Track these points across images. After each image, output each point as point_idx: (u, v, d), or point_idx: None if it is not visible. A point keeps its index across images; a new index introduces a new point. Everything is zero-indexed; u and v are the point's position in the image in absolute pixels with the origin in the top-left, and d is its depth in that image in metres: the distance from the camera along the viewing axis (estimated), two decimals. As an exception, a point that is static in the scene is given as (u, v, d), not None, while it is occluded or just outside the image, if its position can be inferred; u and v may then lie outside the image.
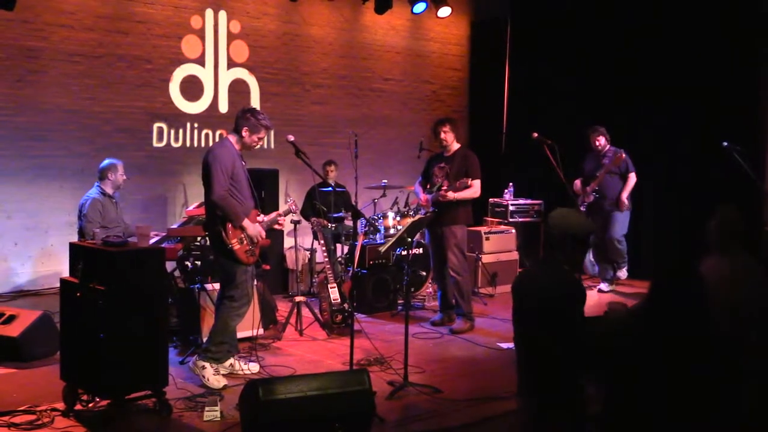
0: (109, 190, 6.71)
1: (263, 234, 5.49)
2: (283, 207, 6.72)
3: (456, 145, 7.01)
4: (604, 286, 8.53)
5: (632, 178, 8.26)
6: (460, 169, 6.85)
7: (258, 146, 5.64)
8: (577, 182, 8.50)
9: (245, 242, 5.34)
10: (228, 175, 5.25)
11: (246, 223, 5.34)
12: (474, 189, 6.80)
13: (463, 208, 6.94)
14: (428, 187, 7.06)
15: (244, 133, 5.41)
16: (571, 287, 3.65)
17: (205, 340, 5.59)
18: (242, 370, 5.53)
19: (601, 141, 8.37)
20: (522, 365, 3.79)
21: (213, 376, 5.30)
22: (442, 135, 6.95)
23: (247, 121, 5.41)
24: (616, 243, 8.35)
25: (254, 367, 5.60)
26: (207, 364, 5.32)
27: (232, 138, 5.46)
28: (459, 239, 6.92)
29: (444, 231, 6.88)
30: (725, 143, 7.38)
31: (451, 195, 6.71)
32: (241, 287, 5.40)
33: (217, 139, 9.21)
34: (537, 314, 3.61)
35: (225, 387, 5.23)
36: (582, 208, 8.40)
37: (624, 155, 8.19)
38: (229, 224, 5.27)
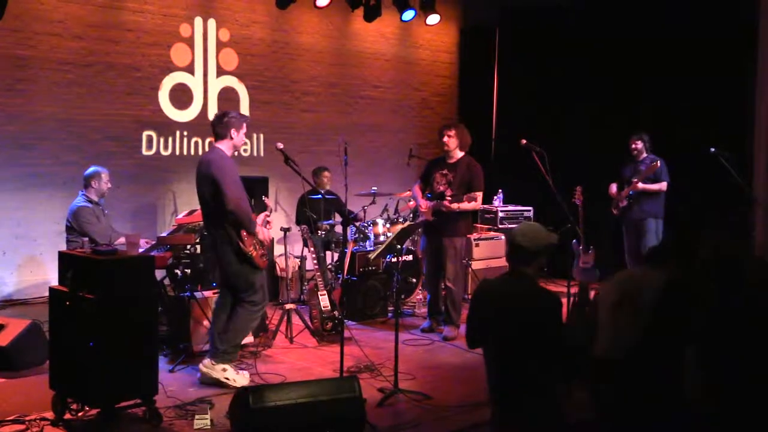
0: (94, 198, 6.71)
1: (270, 237, 5.60)
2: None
3: (460, 153, 6.94)
4: None
5: (661, 186, 8.18)
6: (463, 179, 6.79)
7: (246, 146, 5.68)
8: (613, 186, 8.45)
9: (258, 247, 5.43)
10: (238, 184, 5.34)
11: (258, 228, 5.45)
12: (477, 202, 6.78)
13: (464, 219, 6.92)
14: (427, 192, 7.01)
15: (233, 135, 5.46)
16: (551, 299, 3.71)
17: (216, 344, 5.48)
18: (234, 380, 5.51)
19: (638, 146, 8.30)
20: (497, 372, 3.81)
21: (236, 375, 5.41)
22: (446, 139, 6.88)
23: (230, 123, 5.46)
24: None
25: (241, 380, 5.55)
26: (227, 366, 5.40)
27: (223, 146, 5.47)
28: (459, 250, 6.91)
29: (444, 242, 6.83)
30: (712, 149, 7.44)
31: (455, 206, 6.62)
32: (261, 291, 5.54)
33: (206, 147, 9.21)
34: (521, 328, 3.65)
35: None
36: (615, 212, 8.42)
37: (659, 164, 8.09)
38: (243, 231, 5.32)
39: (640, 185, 8.18)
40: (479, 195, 6.77)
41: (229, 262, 5.41)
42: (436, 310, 7.10)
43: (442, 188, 6.83)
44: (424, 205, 6.88)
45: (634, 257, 8.45)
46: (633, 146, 8.37)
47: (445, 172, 6.89)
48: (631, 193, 8.25)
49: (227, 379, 5.35)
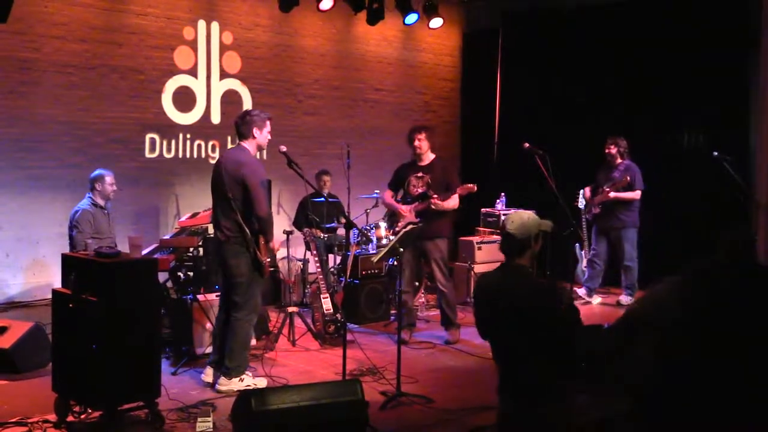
0: (100, 201, 6.72)
1: (279, 247, 5.66)
2: None
3: (431, 155, 6.93)
4: (624, 298, 8.37)
5: (634, 194, 8.16)
6: (441, 179, 6.79)
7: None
8: (587, 190, 8.44)
9: (268, 256, 5.47)
10: (266, 190, 5.40)
11: (274, 238, 5.53)
12: (455, 199, 6.77)
13: (446, 220, 6.91)
14: (399, 197, 6.98)
15: (256, 133, 5.47)
16: (546, 293, 3.64)
17: (226, 363, 5.45)
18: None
19: (612, 150, 8.25)
20: (499, 371, 3.76)
21: (254, 380, 5.46)
22: (417, 143, 6.84)
23: (252, 121, 5.46)
24: (625, 267, 8.27)
25: (261, 383, 5.58)
26: (244, 375, 5.43)
27: (248, 145, 5.48)
28: (443, 252, 6.89)
29: (427, 245, 6.78)
30: (715, 153, 7.44)
31: (443, 204, 6.63)
32: (256, 298, 5.56)
33: (209, 150, 9.24)
34: (518, 324, 3.56)
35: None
36: (588, 217, 8.40)
37: (629, 178, 8.07)
38: (262, 239, 5.36)
39: (612, 194, 8.14)
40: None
41: (239, 265, 5.38)
42: (412, 320, 7.09)
43: (421, 190, 6.79)
44: (406, 209, 6.82)
45: (601, 261, 8.45)
46: (607, 150, 8.32)
47: (420, 174, 6.85)
48: (602, 201, 8.22)
49: (248, 386, 5.34)
